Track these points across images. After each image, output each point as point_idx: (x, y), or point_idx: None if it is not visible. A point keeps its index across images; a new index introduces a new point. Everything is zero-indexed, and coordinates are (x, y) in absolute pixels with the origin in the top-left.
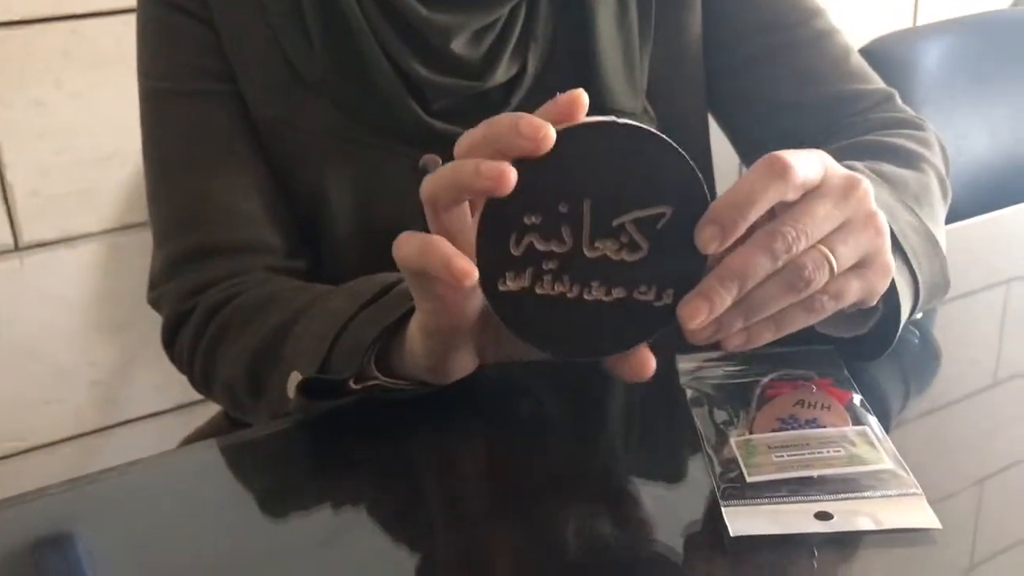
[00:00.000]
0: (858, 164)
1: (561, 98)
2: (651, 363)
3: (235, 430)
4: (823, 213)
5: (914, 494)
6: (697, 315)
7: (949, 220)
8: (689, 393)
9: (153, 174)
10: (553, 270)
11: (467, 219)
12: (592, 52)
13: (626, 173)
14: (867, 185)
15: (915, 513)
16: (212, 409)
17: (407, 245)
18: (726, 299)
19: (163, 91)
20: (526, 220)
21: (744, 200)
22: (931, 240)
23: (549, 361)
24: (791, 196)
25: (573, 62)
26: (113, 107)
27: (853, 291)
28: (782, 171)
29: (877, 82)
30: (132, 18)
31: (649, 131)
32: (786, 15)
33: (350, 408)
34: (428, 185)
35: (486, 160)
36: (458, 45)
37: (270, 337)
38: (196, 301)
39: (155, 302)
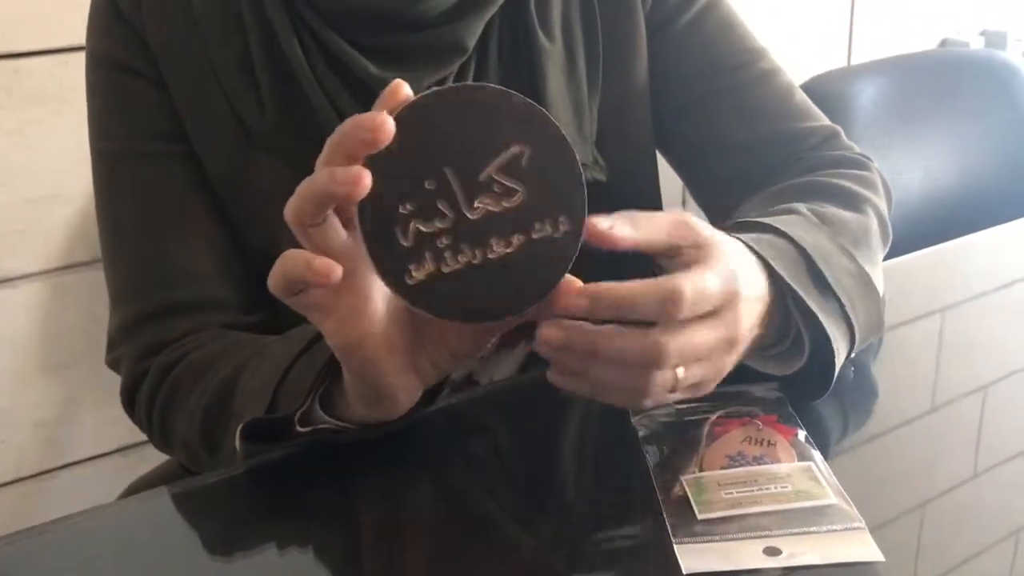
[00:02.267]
0: (801, 207)
1: (386, 91)
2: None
3: (187, 474)
4: (700, 341)
5: (857, 528)
6: (552, 339)
7: (891, 253)
8: (641, 431)
9: (108, 236)
10: (449, 244)
11: (339, 233)
12: (542, 104)
13: (471, 130)
14: (743, 307)
15: (859, 547)
16: (156, 451)
17: (272, 271)
18: (579, 352)
19: (116, 153)
20: (401, 210)
21: (623, 303)
22: (867, 283)
23: (498, 397)
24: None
25: None
26: (53, 146)
27: (669, 400)
28: (672, 309)
29: (822, 119)
30: (71, 56)
31: (476, 85)
32: (729, 57)
33: (299, 453)
34: (290, 206)
35: (338, 167)
36: None
37: (219, 392)
38: (150, 362)
39: (113, 363)
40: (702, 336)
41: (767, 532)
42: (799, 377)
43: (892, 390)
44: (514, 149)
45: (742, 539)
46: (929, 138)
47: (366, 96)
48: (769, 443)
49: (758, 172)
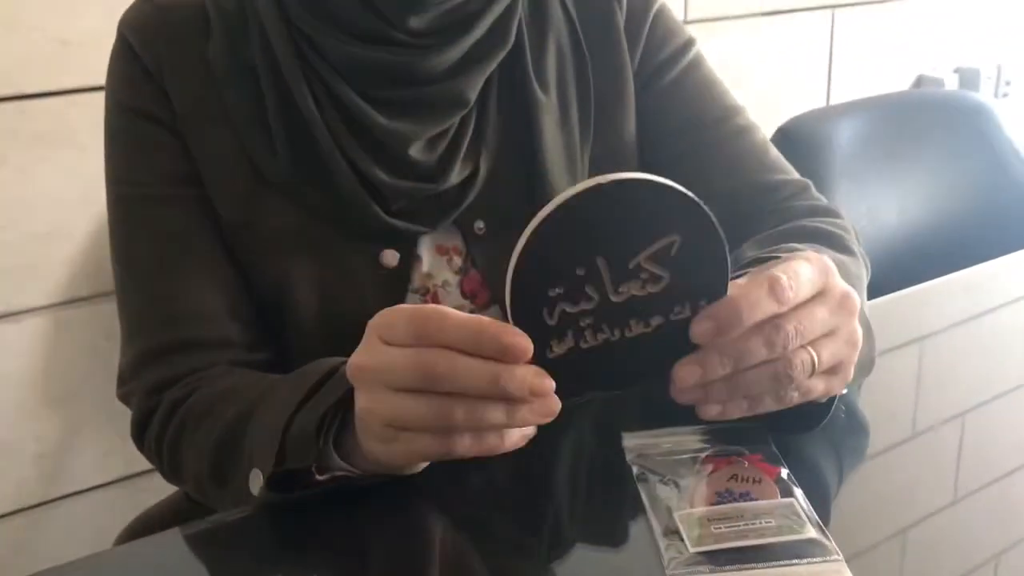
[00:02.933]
0: (801, 247)
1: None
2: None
3: (194, 507)
4: (820, 318)
5: (835, 560)
6: (690, 378)
7: (869, 288)
8: (635, 470)
9: (122, 275)
10: (591, 324)
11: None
12: (537, 153)
13: (627, 221)
14: (857, 302)
15: None
16: (155, 481)
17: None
18: (719, 372)
19: (132, 196)
20: (551, 293)
21: (743, 312)
22: (867, 323)
23: None
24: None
25: (520, 163)
26: (57, 185)
27: (817, 391)
28: (780, 296)
29: (794, 173)
30: (76, 98)
31: (634, 177)
32: (711, 114)
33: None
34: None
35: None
36: (415, 151)
37: (228, 430)
38: (161, 398)
39: (124, 398)
40: (817, 312)
41: (753, 565)
42: (800, 410)
43: (873, 418)
44: (667, 240)
45: (731, 571)
46: (905, 175)
47: (374, 145)
48: (754, 481)
49: (737, 219)
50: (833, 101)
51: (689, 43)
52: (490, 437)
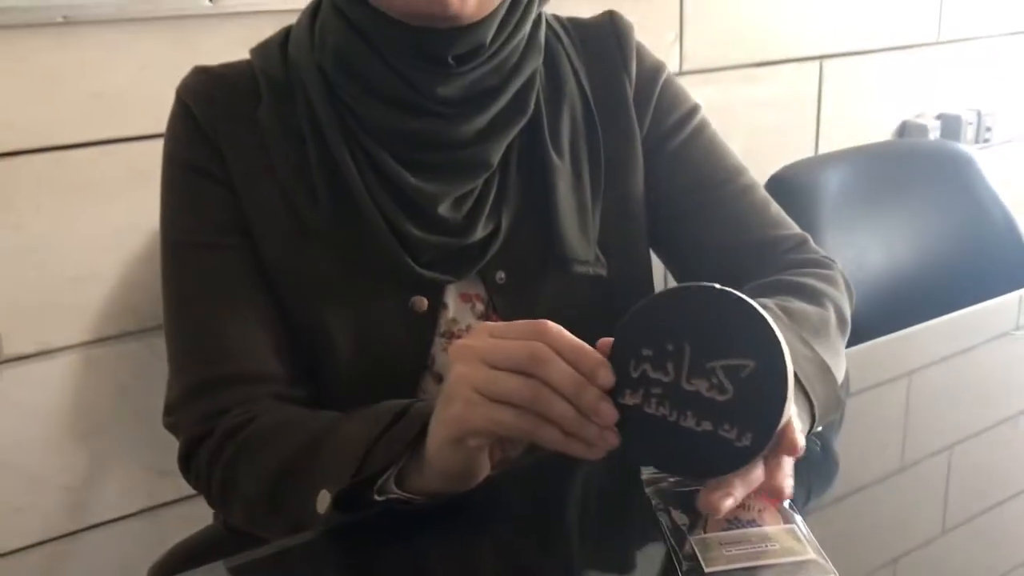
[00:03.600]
0: (769, 301)
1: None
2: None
3: (232, 538)
4: None
5: None
6: (723, 508)
7: (855, 328)
8: (654, 501)
9: (172, 314)
10: (659, 394)
11: None
12: (553, 211)
13: (720, 327)
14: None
15: None
16: (176, 512)
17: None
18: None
19: (184, 243)
20: (643, 351)
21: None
22: (823, 368)
23: (532, 472)
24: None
25: (538, 220)
26: (90, 230)
27: None
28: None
29: (793, 227)
30: (109, 148)
31: (742, 297)
32: (715, 174)
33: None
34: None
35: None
36: (443, 209)
37: (290, 459)
38: (212, 426)
39: (171, 426)
40: None
41: None
42: None
43: (863, 451)
44: (744, 360)
45: None
46: (891, 221)
47: (406, 202)
48: (759, 510)
49: (740, 272)
50: (823, 144)
51: (694, 109)
52: (576, 442)
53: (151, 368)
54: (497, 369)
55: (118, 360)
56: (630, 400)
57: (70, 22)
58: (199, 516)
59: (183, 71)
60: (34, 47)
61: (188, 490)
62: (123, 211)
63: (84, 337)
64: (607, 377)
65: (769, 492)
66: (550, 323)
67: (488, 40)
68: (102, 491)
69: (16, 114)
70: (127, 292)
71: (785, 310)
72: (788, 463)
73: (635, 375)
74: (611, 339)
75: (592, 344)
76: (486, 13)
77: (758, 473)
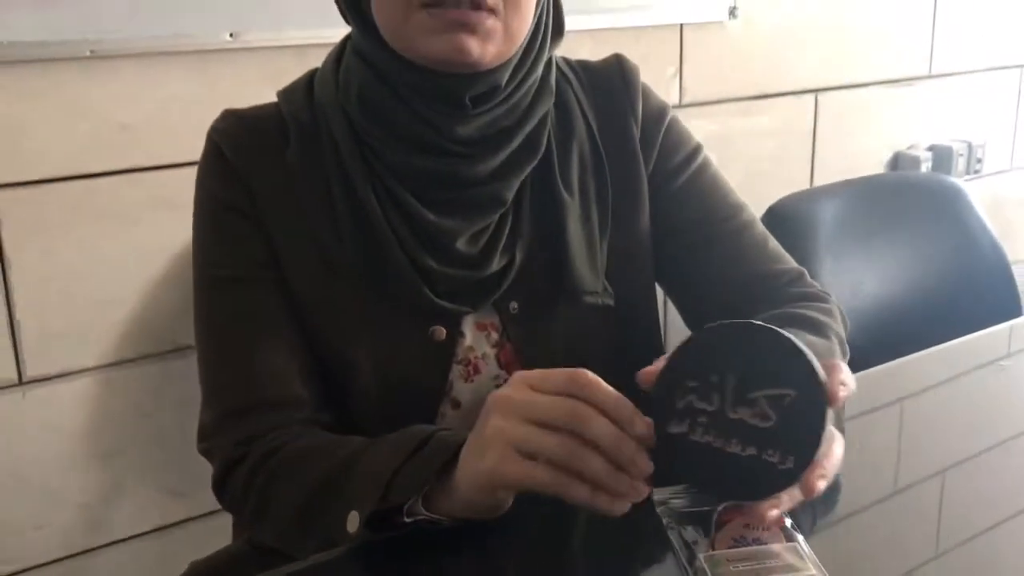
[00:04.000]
0: None
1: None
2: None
3: (257, 554)
4: None
5: None
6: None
7: (851, 353)
8: (665, 520)
9: (205, 344)
10: (704, 423)
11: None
12: (563, 245)
13: (763, 360)
14: None
15: None
16: (187, 531)
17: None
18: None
19: (217, 277)
20: (688, 383)
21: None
22: None
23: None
24: None
25: (549, 253)
26: (114, 254)
27: None
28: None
29: (791, 262)
30: (134, 176)
31: (782, 332)
32: (718, 211)
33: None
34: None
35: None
36: (460, 244)
37: (323, 483)
38: (247, 450)
39: (206, 452)
40: None
41: None
42: None
43: (858, 476)
44: (786, 390)
45: None
46: (884, 252)
47: (426, 238)
48: (764, 529)
49: (742, 304)
50: (818, 174)
51: (697, 149)
52: (603, 496)
53: (168, 390)
54: (535, 424)
55: (136, 382)
56: (675, 429)
57: (97, 56)
58: (209, 535)
59: (205, 102)
60: (63, 79)
61: (199, 510)
62: (145, 237)
63: (104, 359)
64: (643, 426)
65: (803, 489)
66: (587, 374)
67: (504, 82)
68: (117, 510)
69: (46, 143)
70: (147, 316)
71: None
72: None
73: (680, 406)
74: (654, 368)
75: (603, 370)
76: (504, 60)
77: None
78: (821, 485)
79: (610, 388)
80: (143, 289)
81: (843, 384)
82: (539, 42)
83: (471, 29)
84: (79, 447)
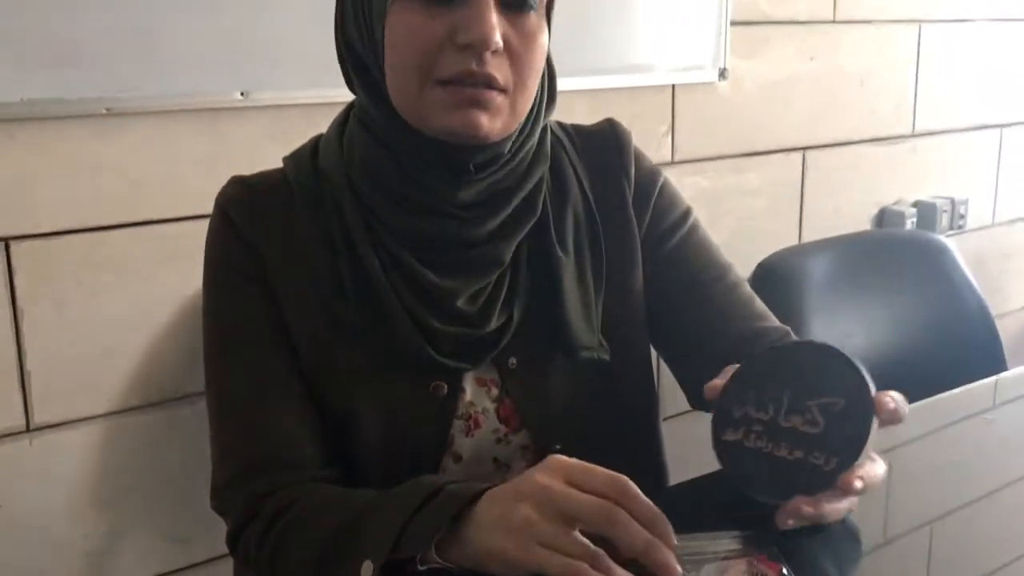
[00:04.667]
0: None
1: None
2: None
3: None
4: None
5: None
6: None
7: None
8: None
9: (218, 403)
10: (758, 431)
11: None
12: (560, 303)
13: (817, 373)
14: None
15: None
16: None
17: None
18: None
19: (227, 340)
20: (746, 393)
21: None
22: None
23: None
24: None
25: (546, 311)
26: (121, 305)
27: None
28: None
29: (776, 321)
30: (143, 230)
31: (834, 348)
32: (707, 272)
33: None
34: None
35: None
36: (461, 303)
37: (335, 535)
38: (259, 507)
39: (218, 509)
40: None
41: None
42: None
43: (848, 523)
44: (837, 399)
45: None
46: (872, 307)
47: (427, 297)
48: (763, 574)
49: (729, 360)
50: (806, 228)
51: (688, 212)
52: None
53: (172, 438)
54: (565, 521)
55: (141, 430)
56: (731, 437)
57: (112, 113)
58: None
59: (214, 157)
60: (79, 136)
61: (198, 557)
62: (152, 288)
63: (109, 408)
64: (674, 540)
65: (842, 486)
66: (628, 482)
67: (507, 150)
68: (119, 556)
69: (59, 197)
70: (152, 365)
71: None
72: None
73: (737, 415)
74: (718, 382)
75: (600, 424)
76: (508, 133)
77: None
78: (858, 485)
79: (649, 502)
80: (150, 338)
81: (891, 399)
82: (536, 111)
83: (483, 106)
84: (83, 494)
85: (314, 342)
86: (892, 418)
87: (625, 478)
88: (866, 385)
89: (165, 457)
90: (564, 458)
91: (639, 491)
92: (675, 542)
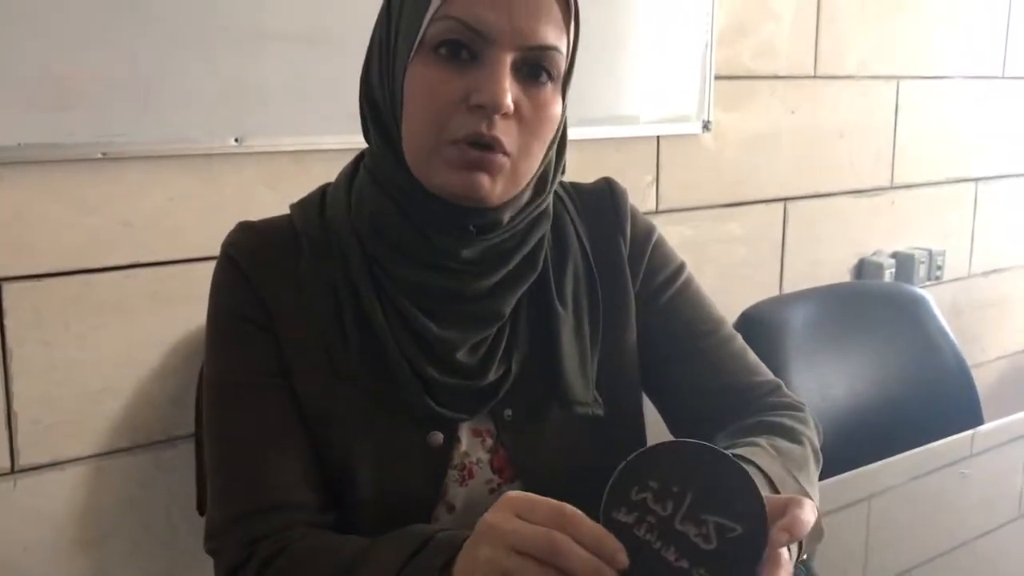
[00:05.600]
0: (761, 440)
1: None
2: None
3: None
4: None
5: None
6: None
7: (824, 458)
8: None
9: (217, 448)
10: (651, 523)
11: None
12: (557, 357)
13: (724, 490)
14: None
15: None
16: None
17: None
18: None
19: (229, 384)
20: (649, 483)
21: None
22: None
23: None
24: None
25: (543, 364)
26: (111, 347)
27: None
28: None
29: (769, 374)
30: (134, 272)
31: (747, 471)
32: (700, 326)
33: None
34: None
35: None
36: (461, 354)
37: None
38: (252, 551)
39: (213, 552)
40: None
41: None
42: None
43: (829, 573)
44: (734, 523)
45: None
46: (852, 357)
47: (428, 348)
48: None
49: (722, 412)
50: (787, 278)
51: (681, 267)
52: None
53: (157, 481)
54: (522, 554)
55: (127, 472)
56: (623, 518)
57: (108, 158)
58: None
59: (206, 201)
60: (75, 180)
61: None
62: (142, 330)
63: (96, 449)
64: (624, 563)
65: None
66: (572, 509)
67: (506, 220)
68: None
69: (53, 239)
70: (140, 407)
71: (775, 447)
72: None
73: (635, 499)
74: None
75: (592, 476)
76: (509, 198)
77: None
78: None
79: (594, 525)
80: (138, 380)
81: (787, 531)
82: (546, 187)
83: (485, 168)
84: (67, 535)
85: (313, 388)
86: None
87: (568, 506)
88: (765, 518)
89: (150, 499)
90: (514, 494)
91: (583, 517)
92: (625, 561)
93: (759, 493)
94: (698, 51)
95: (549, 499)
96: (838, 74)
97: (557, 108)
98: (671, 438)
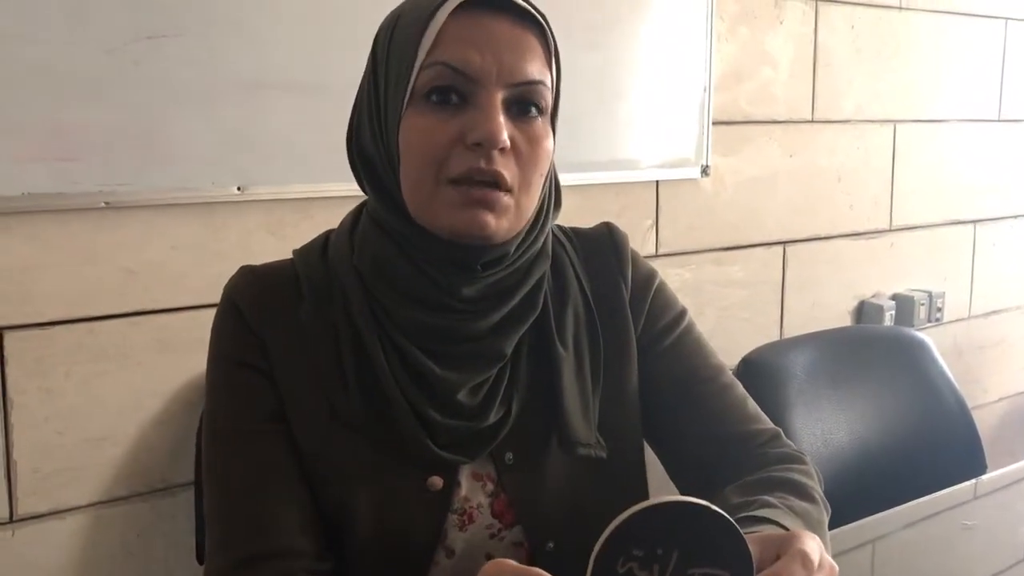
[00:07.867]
0: (773, 499)
1: None
2: None
3: None
4: None
5: None
6: None
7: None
8: None
9: (215, 494)
10: None
11: None
12: (558, 398)
13: (707, 541)
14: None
15: None
16: None
17: None
18: None
19: (229, 429)
20: (634, 551)
21: None
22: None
23: None
24: None
25: (544, 405)
26: (113, 395)
27: None
28: (808, 565)
29: (768, 423)
30: (137, 319)
31: (727, 517)
32: (700, 371)
33: None
34: None
35: None
36: (462, 395)
37: None
38: None
39: None
40: None
41: None
42: None
43: None
44: (721, 571)
45: None
46: (853, 402)
47: (429, 390)
48: None
49: (720, 460)
50: (787, 322)
51: (683, 313)
52: None
53: (155, 529)
54: None
55: (125, 520)
56: None
57: (111, 207)
58: None
59: (209, 249)
60: (78, 229)
61: None
62: (143, 378)
63: (95, 497)
64: None
65: None
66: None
67: (512, 250)
68: None
69: (56, 287)
70: (139, 455)
71: (791, 508)
72: None
73: (621, 571)
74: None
75: (593, 521)
76: (514, 234)
77: None
78: None
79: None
80: (138, 429)
81: (799, 559)
82: (543, 216)
83: (489, 206)
84: None
85: (313, 432)
86: None
87: (540, 571)
88: (750, 560)
89: (148, 548)
90: (496, 562)
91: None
92: None
93: (740, 533)
94: (696, 97)
95: (523, 567)
96: (835, 118)
97: (549, 141)
98: (671, 483)
